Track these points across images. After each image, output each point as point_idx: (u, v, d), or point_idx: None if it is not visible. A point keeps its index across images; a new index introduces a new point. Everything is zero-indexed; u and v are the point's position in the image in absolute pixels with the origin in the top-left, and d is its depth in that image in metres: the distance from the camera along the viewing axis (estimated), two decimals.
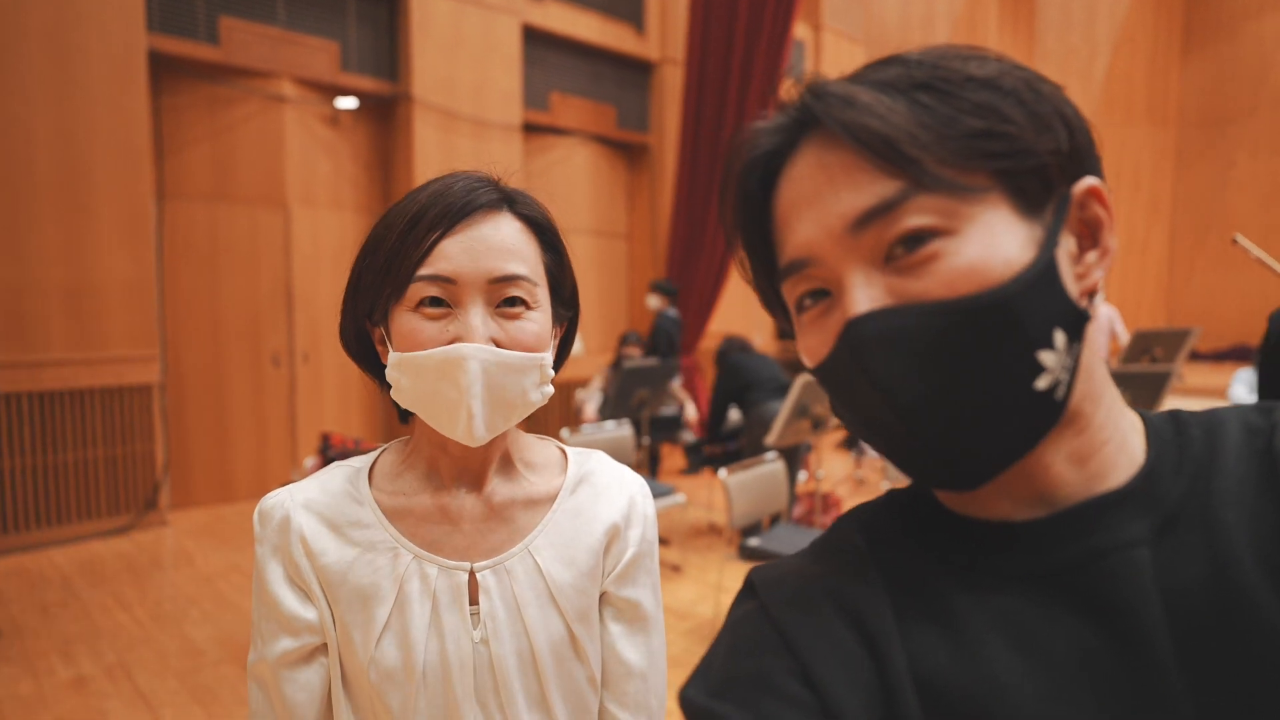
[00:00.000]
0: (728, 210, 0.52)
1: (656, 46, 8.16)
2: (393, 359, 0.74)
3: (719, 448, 5.07)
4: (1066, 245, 0.45)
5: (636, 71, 8.20)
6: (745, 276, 0.54)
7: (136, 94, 4.75)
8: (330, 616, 0.78)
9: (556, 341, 0.83)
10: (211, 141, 5.47)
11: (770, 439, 3.93)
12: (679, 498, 4.22)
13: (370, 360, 0.82)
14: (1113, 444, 0.47)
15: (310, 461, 3.79)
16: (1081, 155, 0.46)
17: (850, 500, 5.41)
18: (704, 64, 7.36)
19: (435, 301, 0.73)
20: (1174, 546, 0.44)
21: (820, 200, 0.46)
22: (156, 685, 2.98)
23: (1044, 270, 0.43)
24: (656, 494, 4.19)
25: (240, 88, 5.54)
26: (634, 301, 8.57)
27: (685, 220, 7.54)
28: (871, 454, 6.67)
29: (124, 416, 4.84)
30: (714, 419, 5.02)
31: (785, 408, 3.90)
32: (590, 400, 5.35)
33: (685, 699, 0.47)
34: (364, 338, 0.80)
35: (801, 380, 3.91)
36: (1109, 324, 6.34)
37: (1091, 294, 0.46)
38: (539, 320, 0.76)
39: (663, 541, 4.67)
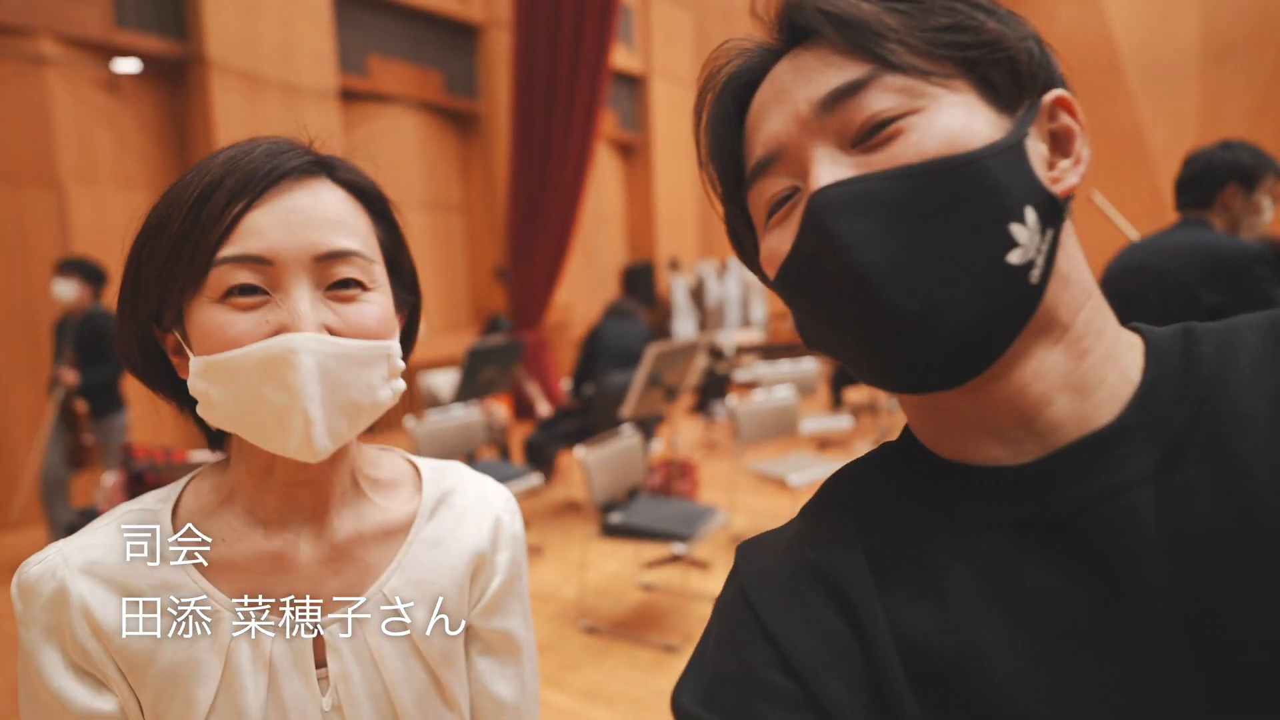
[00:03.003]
0: (701, 127, 0.52)
1: (481, 8, 7.79)
2: (195, 366, 0.60)
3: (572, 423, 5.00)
4: (1037, 148, 0.45)
5: (462, 35, 7.80)
6: (713, 196, 0.53)
7: None
8: (137, 706, 0.63)
9: (399, 331, 0.69)
10: None
11: (625, 411, 3.89)
12: (534, 479, 4.11)
13: (162, 376, 0.66)
14: (1103, 366, 0.44)
15: (111, 478, 3.34)
16: (1050, 69, 0.46)
17: (706, 465, 5.51)
18: (533, 28, 7.10)
19: (247, 290, 0.59)
20: (1179, 485, 0.40)
21: (788, 93, 0.46)
22: None
23: (1013, 146, 0.43)
24: (510, 476, 4.06)
25: None
26: (475, 278, 8.26)
27: (524, 189, 7.31)
28: (722, 416, 6.84)
29: None
30: (579, 375, 4.99)
31: (638, 379, 3.87)
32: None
33: (678, 706, 0.46)
34: (151, 349, 0.64)
35: (654, 350, 3.89)
36: None
37: (1067, 197, 0.45)
38: (380, 302, 0.63)
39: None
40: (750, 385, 5.62)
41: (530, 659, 0.78)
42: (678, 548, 3.11)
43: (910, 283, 0.41)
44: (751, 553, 0.51)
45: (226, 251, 0.58)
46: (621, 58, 9.50)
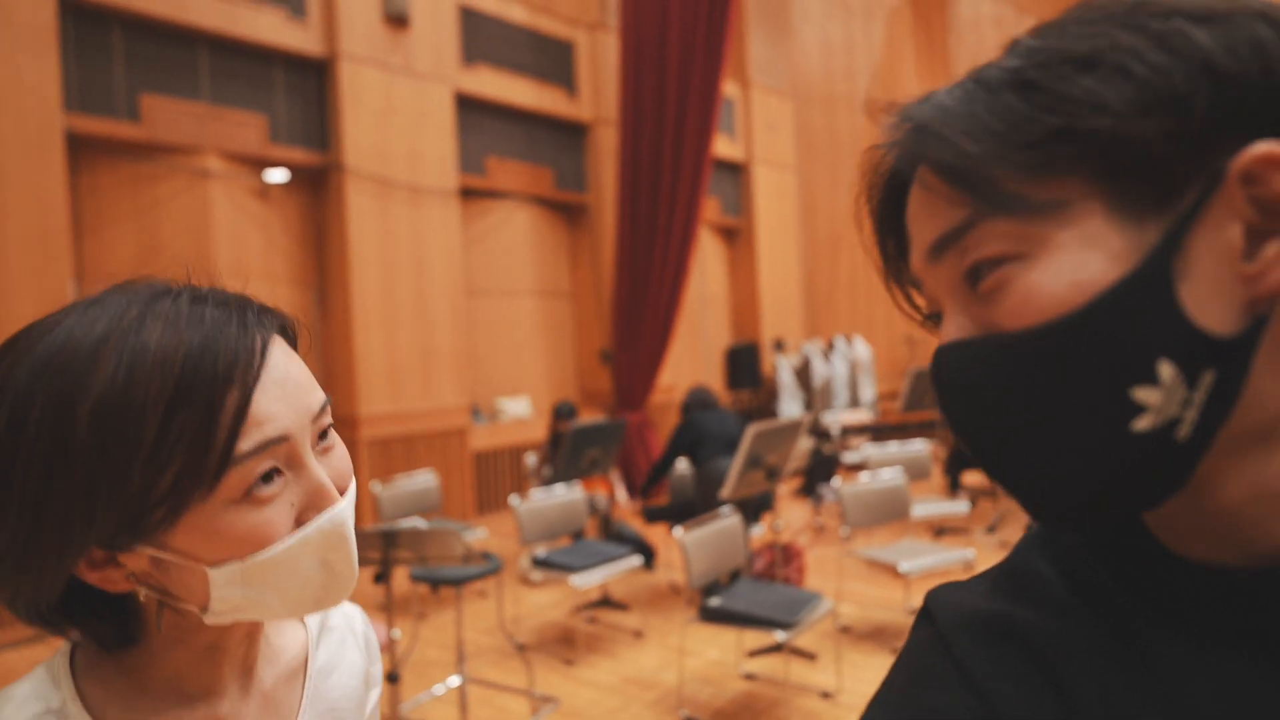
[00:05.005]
0: (865, 220, 0.50)
1: (589, 108, 8.29)
2: (224, 576, 0.52)
3: (657, 502, 5.04)
4: (1219, 241, 0.35)
5: (571, 133, 8.30)
6: (890, 286, 0.51)
7: (52, 175, 4.58)
8: None
9: None
10: (135, 220, 5.30)
11: (725, 491, 3.86)
12: (634, 560, 4.10)
13: (65, 604, 0.54)
14: None
15: None
16: (1245, 113, 0.34)
17: (813, 551, 5.34)
18: (637, 123, 7.50)
19: (269, 477, 0.53)
20: None
21: (913, 228, 0.43)
22: None
23: (1133, 289, 0.35)
24: (611, 557, 4.06)
25: (164, 165, 5.40)
26: (581, 360, 8.51)
27: (628, 276, 7.57)
28: (829, 499, 6.64)
29: None
30: (660, 467, 5.00)
31: (738, 459, 3.84)
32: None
33: None
34: (62, 587, 0.53)
35: (754, 430, 3.87)
36: None
37: (1274, 297, 0.35)
38: (339, 441, 0.61)
39: (623, 606, 4.52)
40: (859, 467, 5.46)
41: None
42: (779, 635, 3.01)
43: (1019, 465, 0.38)
44: (948, 597, 0.48)
45: (246, 445, 0.51)
46: (724, 146, 9.81)
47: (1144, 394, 0.35)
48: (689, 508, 4.75)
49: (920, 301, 0.49)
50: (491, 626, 4.26)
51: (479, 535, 4.83)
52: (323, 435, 0.58)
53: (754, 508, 4.62)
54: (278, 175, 5.98)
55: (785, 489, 7.62)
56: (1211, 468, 0.36)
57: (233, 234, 5.72)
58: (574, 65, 8.14)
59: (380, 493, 4.66)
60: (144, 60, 5.23)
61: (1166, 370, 0.34)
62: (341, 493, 0.57)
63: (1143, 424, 0.35)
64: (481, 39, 7.23)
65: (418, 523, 3.37)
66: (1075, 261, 0.36)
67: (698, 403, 4.98)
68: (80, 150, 5.02)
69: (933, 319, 0.47)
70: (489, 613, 4.50)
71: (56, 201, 4.58)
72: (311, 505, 0.55)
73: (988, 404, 0.39)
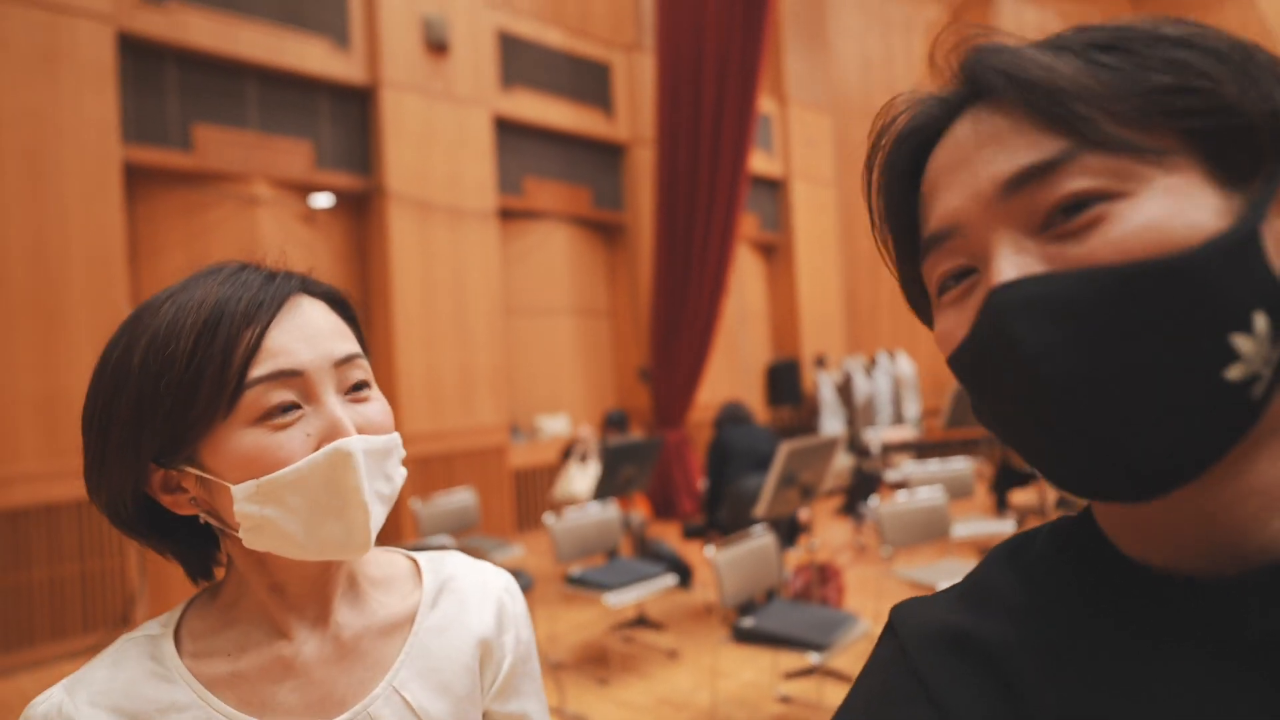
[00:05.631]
0: (871, 185, 0.47)
1: (627, 128, 8.37)
2: (243, 491, 0.59)
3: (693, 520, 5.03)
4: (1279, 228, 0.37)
5: (608, 153, 8.38)
6: (887, 261, 0.49)
7: (110, 204, 4.79)
8: None
9: None
10: (186, 246, 5.50)
11: (759, 510, 3.82)
12: (669, 579, 4.08)
13: (153, 523, 0.66)
14: None
15: None
16: None
17: (852, 570, 5.25)
18: (674, 142, 7.54)
19: (289, 408, 0.60)
20: None
21: (970, 164, 0.41)
22: None
23: (1243, 240, 0.35)
24: (646, 575, 4.05)
25: (214, 192, 5.61)
26: (619, 378, 8.53)
27: (665, 294, 7.59)
28: (870, 518, 6.52)
29: (97, 530, 4.69)
30: (713, 490, 4.98)
31: (772, 477, 3.81)
32: (574, 480, 5.25)
33: None
34: (138, 498, 0.63)
35: (788, 447, 3.83)
36: None
37: None
38: (381, 398, 0.67)
39: (658, 626, 4.50)
40: (900, 485, 5.36)
41: None
42: (812, 657, 2.96)
43: (1102, 403, 0.35)
44: (910, 613, 0.48)
45: (258, 372, 0.59)
46: (761, 162, 9.80)
47: (1240, 342, 0.35)
48: (722, 525, 4.72)
49: (929, 276, 0.45)
50: None
51: (515, 553, 4.85)
52: (357, 388, 0.64)
53: (789, 527, 4.56)
54: (323, 200, 6.15)
55: (826, 507, 7.52)
56: (1224, 462, 0.36)
57: (279, 257, 5.89)
58: (611, 86, 8.24)
59: (420, 510, 4.72)
60: (196, 92, 5.45)
61: (1261, 322, 0.35)
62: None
63: (1234, 373, 0.35)
64: (520, 63, 7.37)
65: (445, 541, 3.41)
66: (1181, 204, 0.36)
67: (728, 418, 4.96)
68: (136, 179, 5.25)
69: (954, 279, 0.43)
70: None
71: (114, 228, 4.79)
72: (328, 438, 0.61)
73: (1077, 333, 0.36)
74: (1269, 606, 0.36)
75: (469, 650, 0.73)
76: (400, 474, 0.66)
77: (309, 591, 0.67)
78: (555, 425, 7.63)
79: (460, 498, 4.98)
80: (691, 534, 5.47)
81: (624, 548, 4.96)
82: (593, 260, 8.41)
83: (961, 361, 0.42)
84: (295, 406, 0.61)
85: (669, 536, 6.81)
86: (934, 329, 0.45)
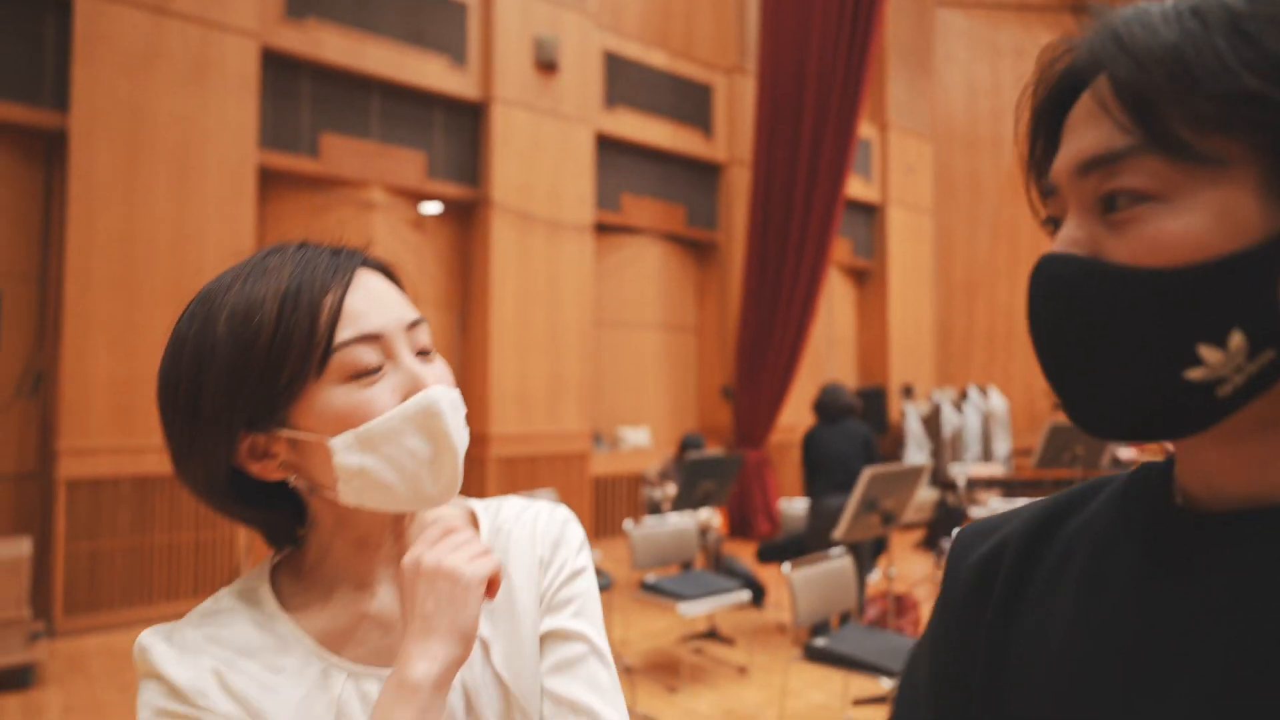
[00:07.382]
0: (1022, 115, 0.50)
1: (724, 148, 8.48)
2: (343, 442, 0.62)
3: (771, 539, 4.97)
4: None
5: (705, 173, 8.50)
6: (1024, 170, 0.51)
7: (245, 204, 5.21)
8: None
9: None
10: None
11: (838, 533, 3.82)
12: (741, 594, 4.11)
13: (242, 494, 0.67)
14: None
15: None
16: None
17: (927, 603, 5.14)
18: (770, 164, 7.60)
19: (374, 369, 0.64)
20: None
21: (1075, 133, 0.44)
22: None
23: (1244, 265, 0.38)
24: (718, 589, 4.10)
25: (335, 196, 6.01)
26: (702, 395, 8.60)
27: (754, 314, 7.62)
28: None
29: None
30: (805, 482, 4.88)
31: (853, 500, 3.80)
32: (655, 489, 5.34)
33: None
34: (227, 470, 0.65)
35: (870, 473, 3.82)
36: None
37: None
38: (443, 360, 0.71)
39: (729, 640, 4.53)
40: None
41: (607, 667, 0.75)
42: (884, 683, 2.95)
43: (1079, 378, 0.43)
44: (965, 534, 0.57)
45: (345, 334, 0.63)
46: (858, 187, 9.73)
47: (1207, 352, 0.39)
48: (801, 545, 4.71)
49: (1041, 209, 0.49)
50: None
51: (592, 556, 4.97)
52: (423, 353, 0.68)
53: (870, 552, 4.52)
54: (432, 208, 6.50)
55: (907, 540, 7.35)
56: (1246, 427, 0.41)
57: (389, 259, 6.23)
58: (711, 107, 8.37)
59: None
60: (325, 103, 5.87)
61: (1237, 339, 0.38)
62: None
63: (1195, 375, 0.39)
64: (623, 83, 7.59)
65: None
66: (1207, 223, 0.38)
67: (824, 411, 4.72)
68: (268, 182, 5.68)
69: (1050, 222, 0.48)
70: None
71: (247, 226, 5.21)
72: (410, 391, 0.65)
73: (1072, 315, 0.42)
74: (1253, 539, 0.41)
75: (526, 586, 0.74)
76: (466, 431, 0.69)
77: (391, 543, 0.71)
78: (637, 437, 7.75)
79: (542, 498, 5.13)
80: (766, 556, 5.46)
81: (699, 561, 5.01)
82: (683, 277, 8.53)
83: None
84: (377, 367, 0.65)
85: (743, 556, 6.81)
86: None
